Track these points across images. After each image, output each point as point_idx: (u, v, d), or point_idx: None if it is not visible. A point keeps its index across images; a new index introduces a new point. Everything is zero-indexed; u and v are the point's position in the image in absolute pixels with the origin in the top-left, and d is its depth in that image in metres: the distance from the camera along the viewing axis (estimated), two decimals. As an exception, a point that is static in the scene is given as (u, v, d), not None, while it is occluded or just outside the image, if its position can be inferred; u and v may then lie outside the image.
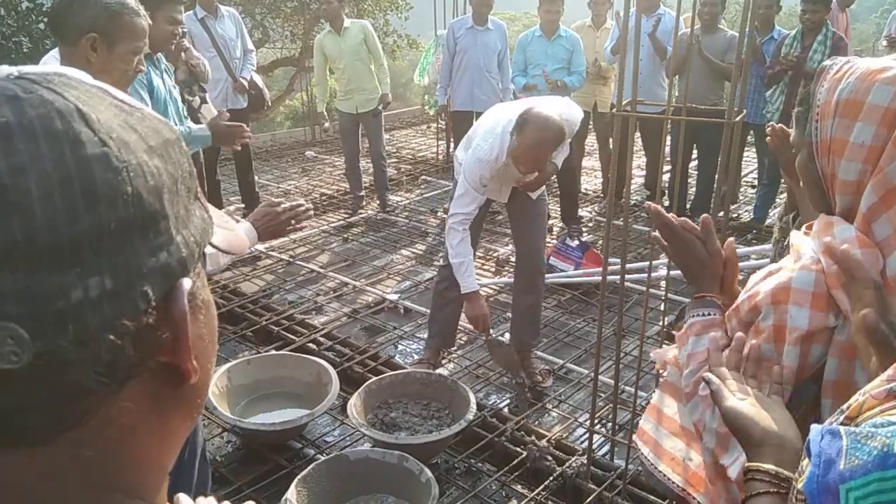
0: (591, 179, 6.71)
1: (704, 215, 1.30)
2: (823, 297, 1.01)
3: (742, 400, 0.93)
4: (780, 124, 1.85)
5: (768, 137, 1.84)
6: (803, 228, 1.17)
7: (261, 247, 4.82)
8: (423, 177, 6.85)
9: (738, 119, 2.23)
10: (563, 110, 2.95)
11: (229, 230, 0.51)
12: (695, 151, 5.48)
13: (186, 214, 0.44)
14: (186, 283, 0.43)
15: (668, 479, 1.33)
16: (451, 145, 6.73)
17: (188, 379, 0.44)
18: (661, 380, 1.35)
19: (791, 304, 1.03)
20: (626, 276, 2.62)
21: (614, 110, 2.34)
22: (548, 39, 4.96)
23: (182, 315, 0.42)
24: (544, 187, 3.26)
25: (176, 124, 2.61)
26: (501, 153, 2.85)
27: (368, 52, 5.48)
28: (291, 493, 2.28)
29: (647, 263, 2.68)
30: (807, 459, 0.70)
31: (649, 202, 1.34)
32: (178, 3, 2.71)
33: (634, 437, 1.38)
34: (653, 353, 1.42)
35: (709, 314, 1.21)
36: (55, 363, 0.37)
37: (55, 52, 3.48)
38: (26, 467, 0.39)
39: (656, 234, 1.29)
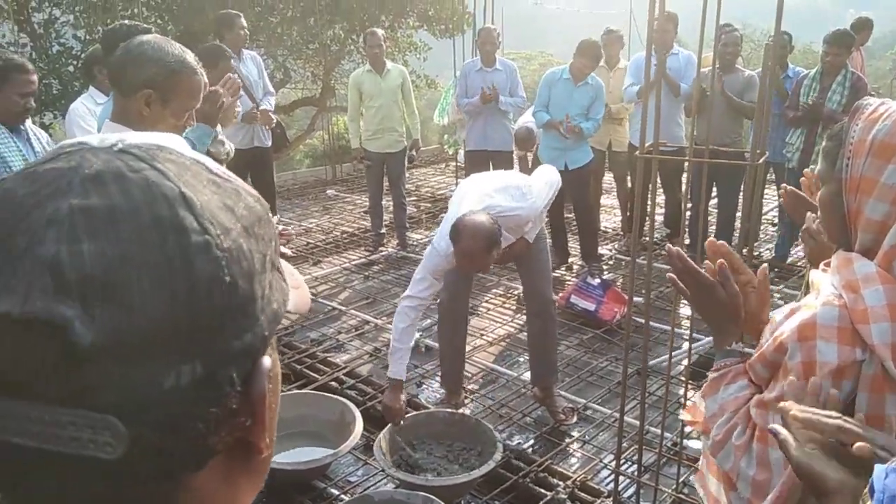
0: (610, 217, 6.72)
1: (720, 260, 1.30)
2: (849, 331, 1.02)
3: (812, 449, 0.92)
4: (799, 170, 1.87)
5: (781, 199, 1.85)
6: (821, 265, 1.18)
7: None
8: (442, 215, 6.88)
9: (760, 161, 2.25)
10: (509, 206, 3.01)
11: (295, 287, 0.50)
12: (713, 188, 5.49)
13: (270, 291, 0.43)
14: (266, 362, 0.42)
15: None
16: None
17: (260, 454, 0.44)
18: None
19: (819, 339, 1.03)
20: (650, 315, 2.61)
21: (637, 153, 2.36)
22: (575, 84, 5.01)
23: (261, 397, 0.42)
24: (542, 225, 3.34)
25: None
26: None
27: (402, 97, 5.62)
28: (316, 535, 2.27)
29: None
30: (869, 502, 0.70)
31: (669, 245, 1.35)
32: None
33: (693, 479, 1.36)
34: (682, 415, 1.41)
35: (734, 363, 1.21)
36: (145, 451, 0.37)
37: (88, 96, 3.58)
38: None
39: (673, 275, 1.30)
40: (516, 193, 3.11)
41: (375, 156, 5.67)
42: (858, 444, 0.88)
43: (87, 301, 0.35)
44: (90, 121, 3.44)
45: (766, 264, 1.35)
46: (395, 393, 2.96)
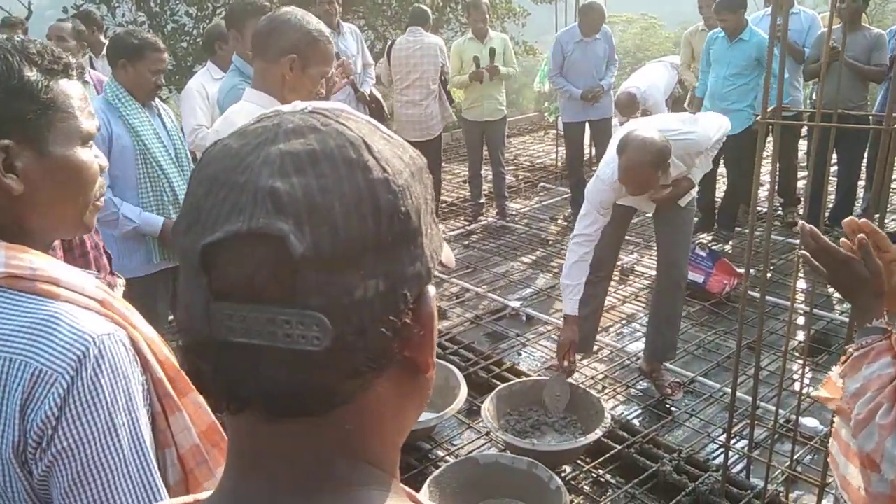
0: (720, 186, 6.45)
1: (861, 235, 1.23)
2: None
3: None
4: None
5: None
6: None
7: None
8: (542, 184, 6.83)
9: (896, 125, 2.11)
10: (682, 129, 2.89)
11: (444, 245, 0.57)
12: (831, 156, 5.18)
13: (431, 231, 0.50)
14: (431, 289, 0.50)
15: None
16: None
17: (426, 372, 0.51)
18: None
19: None
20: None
21: (757, 118, 2.26)
22: (729, 42, 4.80)
23: (430, 316, 0.49)
24: (694, 194, 3.17)
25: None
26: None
27: (504, 64, 5.59)
28: (424, 493, 2.35)
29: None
30: None
31: (803, 223, 1.29)
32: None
33: (829, 458, 1.31)
34: (815, 392, 1.36)
35: (877, 340, 1.15)
36: (341, 349, 0.44)
37: (206, 71, 3.76)
38: (306, 434, 0.47)
39: (805, 252, 1.24)
40: (688, 120, 3.02)
41: (475, 125, 5.67)
42: None
43: (298, 220, 0.42)
44: (199, 100, 3.62)
45: None
46: (570, 326, 2.97)
